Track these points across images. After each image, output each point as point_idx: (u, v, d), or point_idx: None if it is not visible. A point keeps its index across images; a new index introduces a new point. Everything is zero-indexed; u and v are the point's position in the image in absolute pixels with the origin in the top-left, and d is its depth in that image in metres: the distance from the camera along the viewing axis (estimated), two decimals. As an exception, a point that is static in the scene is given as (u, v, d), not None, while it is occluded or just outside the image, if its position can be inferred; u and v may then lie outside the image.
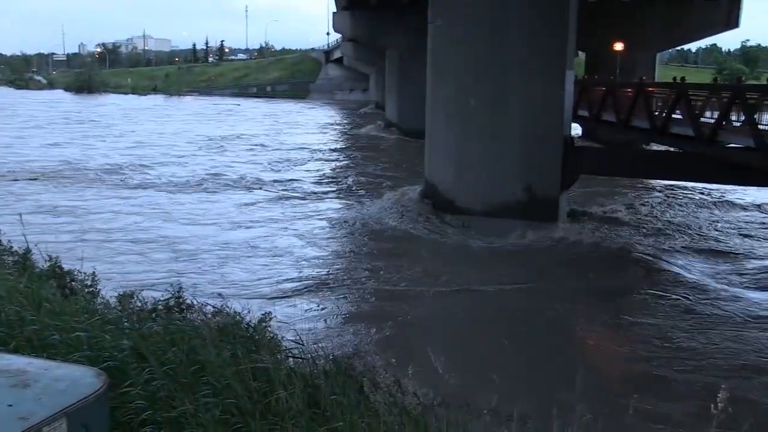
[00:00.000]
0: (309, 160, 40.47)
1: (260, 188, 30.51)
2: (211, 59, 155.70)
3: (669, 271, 19.05)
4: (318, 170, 36.52)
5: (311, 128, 62.56)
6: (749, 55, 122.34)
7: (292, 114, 79.40)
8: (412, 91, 42.41)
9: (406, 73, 49.57)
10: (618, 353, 13.95)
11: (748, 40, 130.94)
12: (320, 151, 45.57)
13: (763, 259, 20.50)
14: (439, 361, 12.44)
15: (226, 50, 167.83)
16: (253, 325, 6.88)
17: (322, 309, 15.35)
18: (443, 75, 23.95)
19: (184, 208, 25.74)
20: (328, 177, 34.39)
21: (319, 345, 7.30)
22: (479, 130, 23.04)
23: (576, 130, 37.04)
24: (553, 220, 22.60)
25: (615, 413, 8.58)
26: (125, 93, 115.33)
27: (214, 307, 7.65)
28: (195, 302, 7.78)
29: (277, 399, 4.64)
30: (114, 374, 4.92)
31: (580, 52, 53.65)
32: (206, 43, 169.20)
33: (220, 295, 10.29)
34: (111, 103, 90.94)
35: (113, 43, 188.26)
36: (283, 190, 30.26)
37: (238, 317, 7.12)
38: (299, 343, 6.11)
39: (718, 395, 4.54)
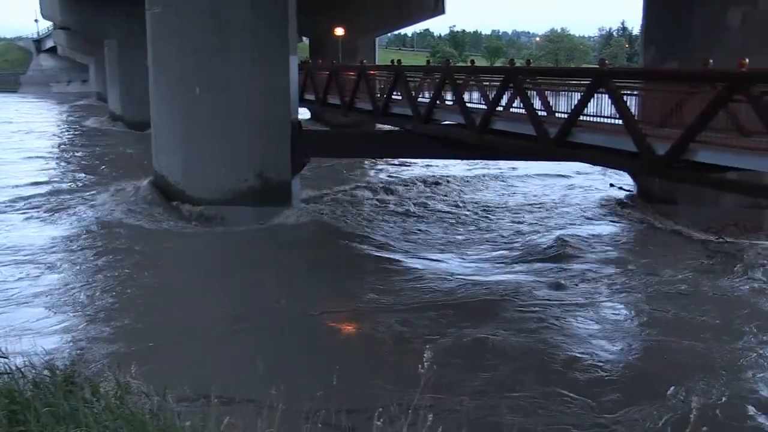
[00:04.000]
0: (26, 159, 36.96)
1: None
2: None
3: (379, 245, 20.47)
4: (38, 169, 33.53)
5: (24, 125, 57.24)
6: (457, 39, 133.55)
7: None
8: (136, 82, 40.59)
9: (127, 62, 47.23)
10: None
11: (455, 25, 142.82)
12: (38, 148, 41.88)
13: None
14: (171, 356, 12.15)
15: None
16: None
17: (41, 318, 14.18)
18: (165, 64, 23.11)
19: None
20: (50, 176, 31.66)
21: (37, 357, 6.73)
22: (205, 119, 22.59)
23: (304, 114, 37.68)
24: (286, 203, 22.90)
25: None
26: None
27: None
28: None
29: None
30: None
31: (303, 38, 54.74)
32: None
33: None
34: None
35: None
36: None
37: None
38: (3, 356, 5.56)
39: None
